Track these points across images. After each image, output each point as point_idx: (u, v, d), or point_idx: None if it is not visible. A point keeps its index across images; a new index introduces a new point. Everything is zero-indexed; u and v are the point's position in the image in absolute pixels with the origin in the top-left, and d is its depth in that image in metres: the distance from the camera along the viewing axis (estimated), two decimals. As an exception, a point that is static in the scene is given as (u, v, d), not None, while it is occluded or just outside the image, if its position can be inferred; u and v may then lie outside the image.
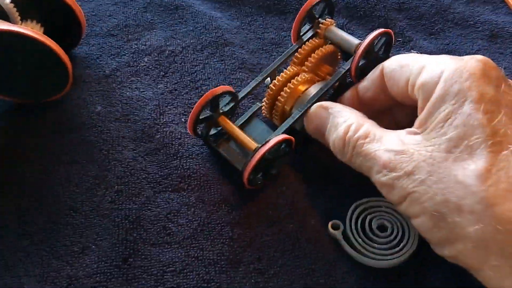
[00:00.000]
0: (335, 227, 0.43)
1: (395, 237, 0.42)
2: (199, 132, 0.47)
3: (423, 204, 0.34)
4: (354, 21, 0.60)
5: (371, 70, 0.45)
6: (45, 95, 0.49)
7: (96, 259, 0.41)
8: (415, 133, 0.36)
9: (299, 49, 0.48)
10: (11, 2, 0.46)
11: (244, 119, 0.48)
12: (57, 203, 0.44)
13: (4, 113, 0.49)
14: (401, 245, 0.41)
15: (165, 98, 0.51)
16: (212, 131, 0.47)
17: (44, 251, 0.41)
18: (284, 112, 0.46)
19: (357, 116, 0.41)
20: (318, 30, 0.49)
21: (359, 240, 0.42)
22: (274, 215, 0.44)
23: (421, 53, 0.55)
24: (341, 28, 0.58)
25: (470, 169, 0.32)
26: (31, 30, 0.45)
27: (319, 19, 0.50)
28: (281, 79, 0.46)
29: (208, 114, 0.45)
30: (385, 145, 0.37)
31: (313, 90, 0.46)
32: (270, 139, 0.42)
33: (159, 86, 0.52)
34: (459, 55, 0.39)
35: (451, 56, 0.38)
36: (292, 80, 0.46)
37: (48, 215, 0.43)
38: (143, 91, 0.52)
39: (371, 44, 0.45)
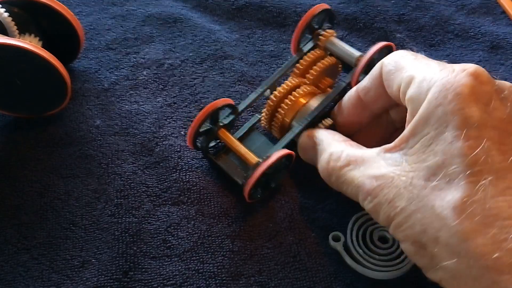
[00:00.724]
0: (336, 239, 0.43)
1: (397, 248, 0.42)
2: (199, 145, 0.46)
3: (404, 232, 0.34)
4: (353, 33, 0.60)
5: None
6: (44, 109, 0.49)
7: (96, 273, 0.41)
8: (394, 150, 0.36)
9: (301, 61, 0.48)
10: (9, 16, 0.46)
11: (243, 131, 0.48)
12: (57, 217, 0.44)
13: (3, 128, 0.49)
14: (403, 256, 0.41)
15: (164, 111, 0.51)
16: (211, 143, 0.47)
17: (44, 265, 0.41)
18: (283, 124, 0.46)
19: (337, 141, 0.41)
20: (319, 42, 0.49)
21: (360, 251, 0.42)
22: (275, 228, 0.44)
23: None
24: (340, 40, 0.58)
25: (446, 200, 0.31)
26: (29, 43, 0.45)
27: (319, 30, 0.49)
28: (282, 91, 0.46)
29: (208, 127, 0.45)
30: (367, 170, 0.36)
31: (314, 103, 0.45)
32: (271, 154, 0.42)
33: (158, 100, 0.52)
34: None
35: (444, 65, 0.36)
36: (293, 92, 0.46)
37: (48, 229, 0.43)
38: (142, 105, 0.52)
39: (372, 58, 0.45)
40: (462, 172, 0.31)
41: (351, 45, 0.51)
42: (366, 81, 0.42)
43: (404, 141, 0.35)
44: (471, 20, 0.62)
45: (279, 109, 0.46)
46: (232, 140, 0.45)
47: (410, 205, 0.33)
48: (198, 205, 0.45)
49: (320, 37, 0.49)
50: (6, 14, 0.46)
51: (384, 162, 0.36)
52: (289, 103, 0.45)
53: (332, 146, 0.40)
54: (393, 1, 0.63)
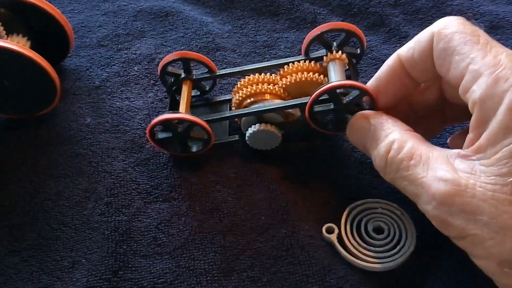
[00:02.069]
0: (330, 231, 0.42)
1: (392, 239, 0.41)
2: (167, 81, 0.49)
3: (488, 250, 0.31)
4: (348, 19, 0.59)
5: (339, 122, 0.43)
6: (34, 110, 0.49)
7: (86, 273, 0.40)
8: (468, 158, 0.32)
9: (290, 64, 0.46)
10: (-4, 17, 0.46)
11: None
12: (47, 218, 0.44)
13: (-6, 129, 0.49)
14: (398, 247, 0.40)
15: (155, 107, 0.51)
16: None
17: (35, 267, 0.41)
18: (239, 106, 0.46)
19: (401, 130, 0.37)
20: (324, 58, 0.46)
21: (354, 243, 0.41)
22: (267, 221, 0.43)
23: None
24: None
25: None
26: (17, 44, 0.45)
27: (335, 50, 0.46)
28: (255, 78, 0.45)
29: (179, 72, 0.48)
30: (435, 171, 0.32)
31: (272, 102, 0.44)
32: (188, 115, 0.44)
33: (149, 95, 0.52)
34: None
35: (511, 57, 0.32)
36: (263, 84, 0.45)
37: (38, 230, 0.43)
38: (133, 101, 0.51)
39: (320, 95, 0.41)
40: None
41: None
42: (410, 50, 0.38)
43: (480, 150, 0.32)
44: (469, 0, 0.60)
45: (243, 89, 0.45)
46: (184, 94, 0.47)
47: (495, 221, 0.30)
48: (189, 201, 0.44)
49: (325, 56, 0.46)
50: (-8, 15, 0.46)
51: (454, 166, 0.32)
52: (253, 89, 0.44)
53: (395, 133, 0.36)
54: (388, -16, 0.62)
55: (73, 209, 0.44)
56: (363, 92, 0.40)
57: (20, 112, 0.49)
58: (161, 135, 0.45)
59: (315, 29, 0.46)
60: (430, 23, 0.57)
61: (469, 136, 0.33)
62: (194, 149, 0.46)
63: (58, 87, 0.47)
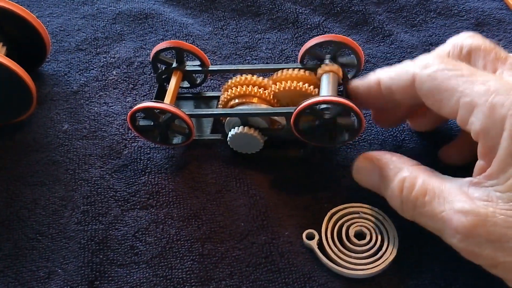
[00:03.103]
0: (310, 237, 0.41)
1: (374, 245, 0.40)
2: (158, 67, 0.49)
3: None
4: (331, 18, 0.58)
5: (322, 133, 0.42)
6: (10, 117, 0.48)
7: (62, 284, 0.40)
8: (480, 185, 0.32)
9: (283, 70, 0.45)
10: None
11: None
12: (23, 227, 0.43)
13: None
14: (380, 253, 0.39)
15: (133, 111, 0.50)
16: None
17: (10, 277, 0.40)
18: (226, 104, 0.45)
19: (408, 166, 0.37)
20: (318, 69, 0.44)
21: (335, 250, 0.40)
22: (247, 227, 0.42)
23: (402, 47, 0.53)
24: (317, 26, 0.56)
25: None
26: (-9, 51, 0.44)
27: (330, 61, 0.45)
28: (246, 79, 0.44)
29: (171, 62, 0.48)
30: (451, 203, 0.33)
31: (259, 107, 0.43)
32: (171, 106, 0.43)
33: (127, 100, 0.51)
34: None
35: (501, 80, 0.33)
36: (253, 87, 0.44)
37: (14, 240, 0.42)
38: (112, 106, 0.51)
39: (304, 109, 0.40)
40: None
41: (328, 32, 0.49)
42: (390, 87, 0.39)
43: (492, 177, 0.32)
44: (454, -2, 0.59)
45: (233, 88, 0.44)
46: (171, 85, 0.46)
47: None
48: (167, 208, 0.43)
49: (320, 67, 0.44)
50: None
51: (469, 195, 0.32)
52: (242, 91, 0.43)
53: (404, 171, 0.36)
54: (371, -18, 0.61)
55: (49, 218, 0.43)
56: (349, 109, 0.39)
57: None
58: (142, 122, 0.45)
59: (313, 38, 0.45)
60: (415, 21, 0.57)
61: (479, 163, 0.33)
62: (174, 141, 0.45)
63: (34, 95, 0.46)
